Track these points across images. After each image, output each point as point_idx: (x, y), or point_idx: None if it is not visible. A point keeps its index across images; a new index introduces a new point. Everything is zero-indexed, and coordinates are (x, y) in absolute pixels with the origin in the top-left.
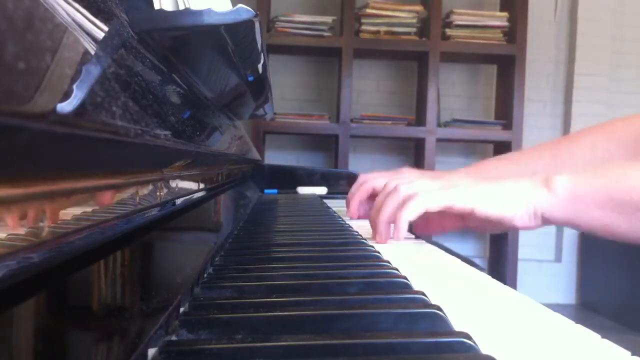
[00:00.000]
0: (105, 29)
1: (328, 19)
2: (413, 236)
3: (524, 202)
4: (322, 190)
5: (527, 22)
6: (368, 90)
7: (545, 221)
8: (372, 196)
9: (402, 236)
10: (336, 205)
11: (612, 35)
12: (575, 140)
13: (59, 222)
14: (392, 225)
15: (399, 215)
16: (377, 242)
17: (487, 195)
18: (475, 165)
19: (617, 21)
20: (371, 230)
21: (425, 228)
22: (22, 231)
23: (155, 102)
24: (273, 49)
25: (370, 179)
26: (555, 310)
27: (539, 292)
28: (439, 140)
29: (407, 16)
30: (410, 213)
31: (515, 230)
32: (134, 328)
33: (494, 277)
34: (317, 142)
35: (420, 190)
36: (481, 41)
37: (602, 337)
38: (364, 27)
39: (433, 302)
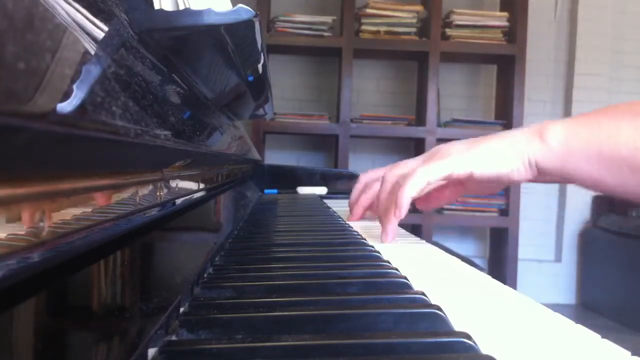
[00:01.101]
0: (105, 29)
1: (328, 19)
2: (414, 236)
3: (519, 155)
4: (322, 190)
5: (527, 22)
6: (368, 90)
7: (541, 171)
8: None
9: (403, 213)
10: (336, 205)
11: (612, 35)
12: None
13: (59, 222)
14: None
15: (399, 194)
16: (385, 242)
17: (482, 156)
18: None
19: (617, 21)
20: (370, 231)
21: (425, 202)
22: (22, 231)
23: (155, 102)
24: (273, 49)
25: (371, 182)
26: (555, 310)
27: (539, 292)
28: (439, 140)
29: (407, 16)
30: (412, 188)
31: (513, 184)
32: (134, 328)
33: (494, 277)
34: (317, 142)
35: (416, 167)
36: (481, 41)
37: (602, 337)
38: (364, 27)
39: (433, 302)
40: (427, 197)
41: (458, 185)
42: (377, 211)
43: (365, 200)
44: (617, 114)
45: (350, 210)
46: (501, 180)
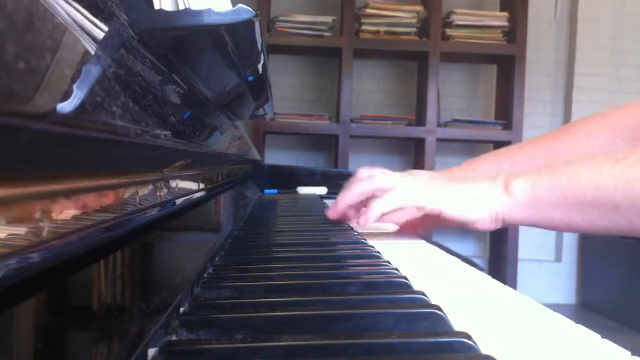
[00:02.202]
0: (105, 29)
1: (328, 19)
2: (414, 236)
3: (486, 206)
4: (322, 190)
5: (527, 22)
6: (368, 90)
7: (506, 223)
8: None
9: (368, 223)
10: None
11: (612, 35)
12: (570, 131)
13: (59, 222)
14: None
15: (373, 204)
16: (328, 216)
17: (452, 198)
18: (470, 162)
19: (617, 21)
20: (371, 231)
21: (413, 229)
22: (22, 231)
23: (155, 102)
24: (273, 49)
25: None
26: (555, 310)
27: (539, 292)
28: (439, 140)
29: (407, 16)
30: (384, 204)
31: (475, 230)
32: (134, 328)
33: (494, 277)
34: (317, 142)
35: (397, 185)
36: (481, 41)
37: (602, 337)
38: (364, 27)
39: (433, 302)
40: (411, 225)
41: (432, 217)
42: (340, 193)
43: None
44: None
45: (336, 203)
46: (466, 225)
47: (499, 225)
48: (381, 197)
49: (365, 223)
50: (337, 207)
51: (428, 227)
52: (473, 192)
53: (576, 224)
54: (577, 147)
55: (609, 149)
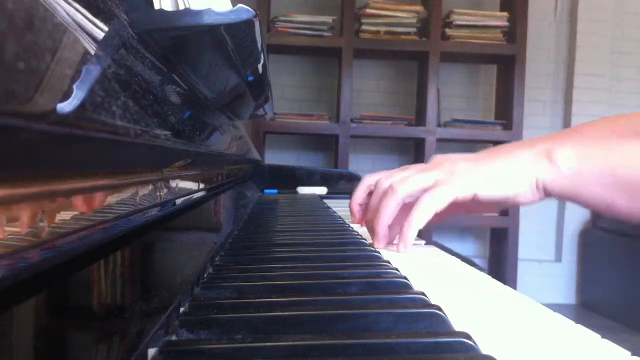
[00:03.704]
0: (105, 29)
1: (328, 19)
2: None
3: (527, 178)
4: (322, 190)
5: (527, 22)
6: (368, 90)
7: (548, 194)
8: None
9: (409, 246)
10: (336, 205)
11: (612, 35)
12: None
13: (59, 222)
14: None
15: (406, 226)
16: (376, 247)
17: (488, 178)
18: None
19: (617, 21)
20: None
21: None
22: (22, 231)
23: (155, 102)
24: (273, 49)
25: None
26: (555, 310)
27: (539, 292)
28: (439, 140)
29: (407, 16)
30: (419, 221)
31: (518, 206)
32: (134, 328)
33: (494, 277)
34: (317, 142)
35: (413, 175)
36: (481, 41)
37: (602, 337)
38: (364, 27)
39: (433, 302)
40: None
41: (459, 206)
42: (367, 217)
43: (360, 194)
44: (623, 132)
45: (351, 212)
46: (506, 202)
47: (543, 198)
48: (411, 216)
49: (406, 249)
50: (378, 235)
51: (452, 215)
52: (508, 164)
53: (617, 206)
54: None
55: None
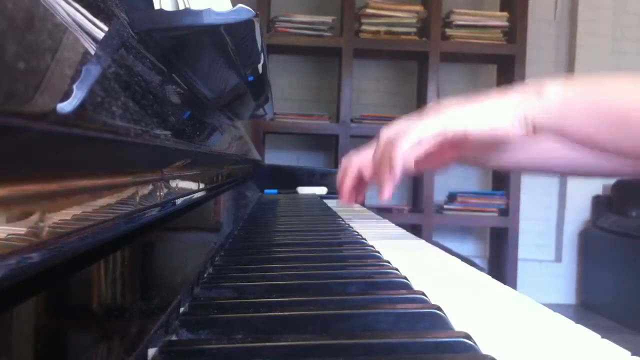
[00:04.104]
0: (105, 29)
1: (328, 18)
2: (414, 236)
3: (515, 111)
4: (322, 190)
5: (527, 22)
6: (368, 90)
7: (536, 128)
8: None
9: (398, 173)
10: (336, 205)
11: (612, 35)
12: None
13: (59, 222)
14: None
15: (393, 154)
16: (382, 199)
17: (477, 112)
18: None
19: (617, 21)
20: (370, 231)
21: (418, 163)
22: (22, 231)
23: (155, 102)
24: (273, 49)
25: (353, 161)
26: (555, 310)
27: (539, 292)
28: None
29: (407, 16)
30: (405, 146)
31: (509, 141)
32: (134, 328)
33: (494, 277)
34: (317, 142)
35: (408, 125)
36: (481, 41)
37: (602, 337)
38: (364, 27)
39: (433, 302)
40: (421, 159)
41: (452, 149)
42: (372, 170)
43: (349, 179)
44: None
45: (338, 193)
46: (497, 138)
47: (532, 133)
48: (398, 143)
49: (396, 178)
50: (388, 180)
51: (451, 159)
52: (498, 102)
53: (598, 137)
54: None
55: None
